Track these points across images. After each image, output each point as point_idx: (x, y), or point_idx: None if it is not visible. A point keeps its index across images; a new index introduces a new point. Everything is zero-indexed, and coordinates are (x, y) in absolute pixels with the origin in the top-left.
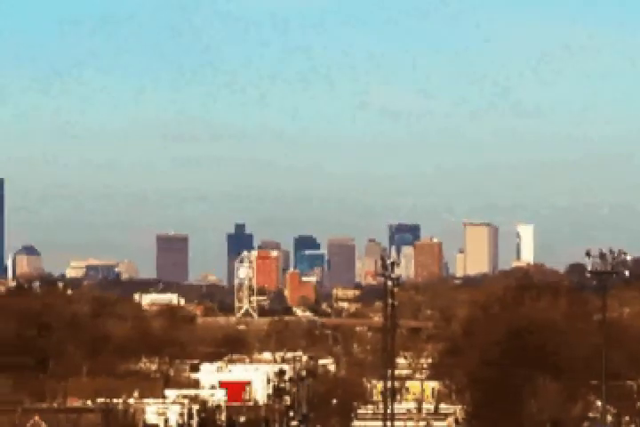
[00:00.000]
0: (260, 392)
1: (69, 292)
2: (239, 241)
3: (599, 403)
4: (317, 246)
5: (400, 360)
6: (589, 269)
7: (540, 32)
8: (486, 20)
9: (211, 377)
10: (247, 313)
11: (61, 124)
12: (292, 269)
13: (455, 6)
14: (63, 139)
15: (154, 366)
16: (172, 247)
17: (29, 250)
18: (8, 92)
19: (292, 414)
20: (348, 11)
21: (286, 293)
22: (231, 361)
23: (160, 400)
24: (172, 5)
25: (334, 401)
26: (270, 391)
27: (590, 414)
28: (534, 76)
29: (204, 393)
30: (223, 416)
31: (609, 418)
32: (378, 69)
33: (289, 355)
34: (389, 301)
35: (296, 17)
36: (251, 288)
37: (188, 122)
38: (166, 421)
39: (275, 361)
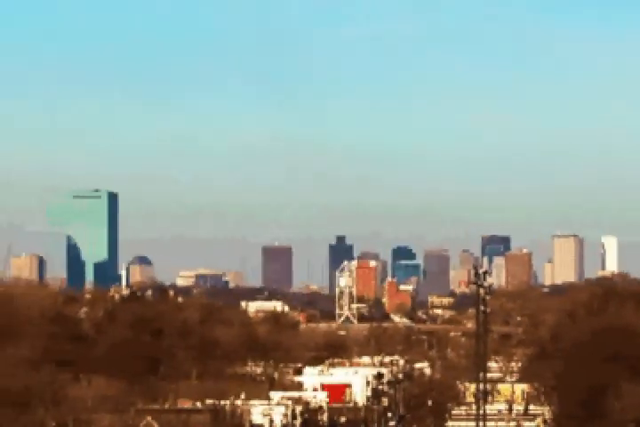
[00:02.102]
0: (359, 394)
1: (180, 300)
2: (340, 252)
3: None
4: (414, 257)
5: (491, 364)
6: None
7: None
8: None
9: (313, 380)
10: (347, 320)
11: (173, 143)
12: (389, 279)
13: None
14: (175, 156)
15: (259, 370)
16: (277, 258)
17: (142, 260)
18: (121, 112)
19: (389, 414)
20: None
21: (384, 300)
22: (332, 365)
23: (265, 402)
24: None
25: (429, 402)
26: (369, 393)
27: None
28: None
29: (306, 395)
30: (325, 417)
31: None
32: (475, 92)
33: (387, 359)
34: (482, 308)
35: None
36: (351, 296)
37: (292, 138)
38: (271, 421)
39: (373, 365)
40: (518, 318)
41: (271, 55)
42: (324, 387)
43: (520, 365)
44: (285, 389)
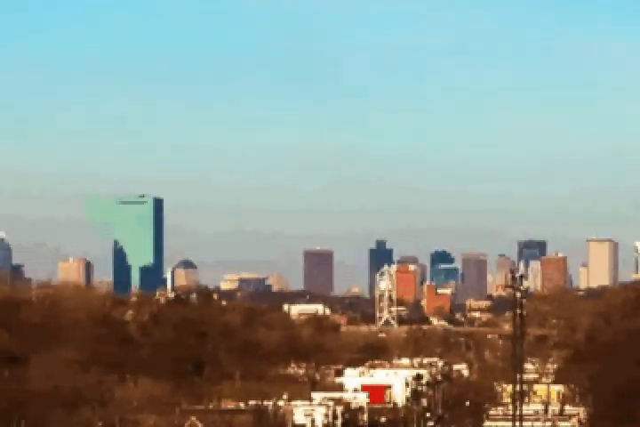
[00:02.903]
0: (399, 395)
1: (223, 303)
2: (380, 256)
3: None
4: (452, 261)
5: (528, 366)
6: None
7: None
8: None
9: (354, 381)
10: (387, 322)
11: (216, 148)
12: (428, 282)
13: None
14: (219, 162)
15: (301, 371)
16: (319, 262)
17: (187, 264)
18: (166, 119)
19: (428, 415)
20: None
21: (423, 303)
22: (372, 366)
23: (307, 402)
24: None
25: (467, 403)
26: (408, 394)
27: None
28: None
29: (347, 396)
30: (365, 417)
31: None
32: (519, 97)
33: (426, 361)
34: (518, 311)
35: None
36: (391, 299)
37: (335, 146)
38: (313, 421)
39: (413, 366)
40: (554, 321)
41: (301, 62)
42: (364, 388)
43: (555, 366)
44: (327, 390)
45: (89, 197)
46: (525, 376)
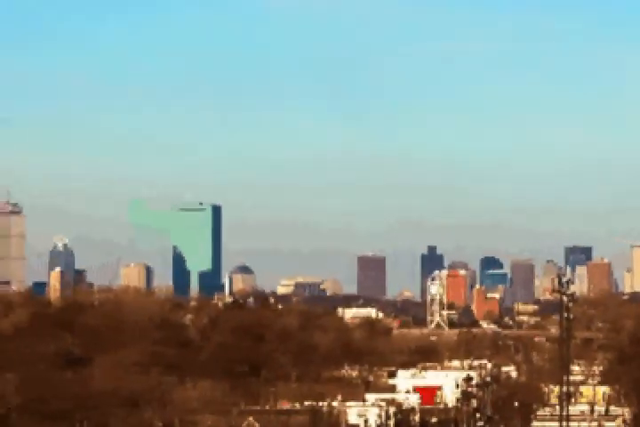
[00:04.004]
0: (449, 396)
1: (280, 307)
2: (431, 261)
3: None
4: (501, 266)
5: (574, 367)
6: None
7: None
8: None
9: (406, 382)
10: (438, 325)
11: (269, 155)
12: (478, 287)
13: None
14: (272, 169)
15: (355, 373)
16: (372, 267)
17: (244, 269)
18: (221, 128)
19: (478, 415)
20: None
21: (473, 307)
22: (424, 368)
23: (361, 403)
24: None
25: (516, 404)
26: (459, 395)
27: None
28: None
29: (399, 397)
30: (417, 418)
31: None
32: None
33: (475, 363)
34: (565, 314)
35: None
36: (441, 303)
37: (381, 151)
38: (366, 422)
39: (463, 368)
40: (599, 324)
41: (343, 71)
42: (416, 389)
43: (601, 368)
44: (379, 391)
45: (149, 204)
46: (572, 378)
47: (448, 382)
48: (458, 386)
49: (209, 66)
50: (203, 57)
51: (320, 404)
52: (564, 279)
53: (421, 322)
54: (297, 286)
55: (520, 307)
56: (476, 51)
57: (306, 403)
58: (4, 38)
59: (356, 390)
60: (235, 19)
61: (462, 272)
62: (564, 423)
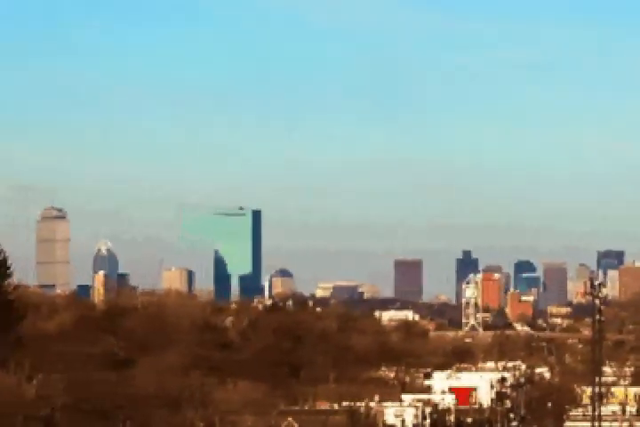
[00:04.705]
0: (484, 397)
1: (318, 309)
2: (466, 265)
3: None
4: (534, 270)
5: (606, 369)
6: None
7: None
8: None
9: (441, 383)
10: (473, 328)
11: (307, 164)
12: (512, 290)
13: None
14: (311, 172)
15: (392, 374)
16: (408, 270)
17: (284, 273)
18: (263, 132)
19: (512, 415)
20: None
21: (507, 310)
22: (459, 369)
23: (397, 404)
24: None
25: (549, 404)
26: (493, 396)
27: None
28: None
29: (435, 398)
30: (452, 418)
31: None
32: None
33: (509, 364)
34: (597, 317)
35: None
36: (476, 306)
37: (410, 155)
38: (403, 422)
39: (497, 369)
40: (631, 327)
41: (385, 79)
42: (451, 390)
43: (633, 369)
44: (416, 392)
45: (189, 209)
46: (604, 379)
47: (483, 383)
48: (492, 387)
49: (252, 72)
50: (246, 64)
51: (358, 404)
52: (597, 283)
53: (457, 324)
54: (335, 289)
55: (553, 310)
56: (508, 59)
57: (344, 403)
58: (54, 45)
59: (392, 391)
60: (278, 28)
61: (496, 276)
62: (596, 424)
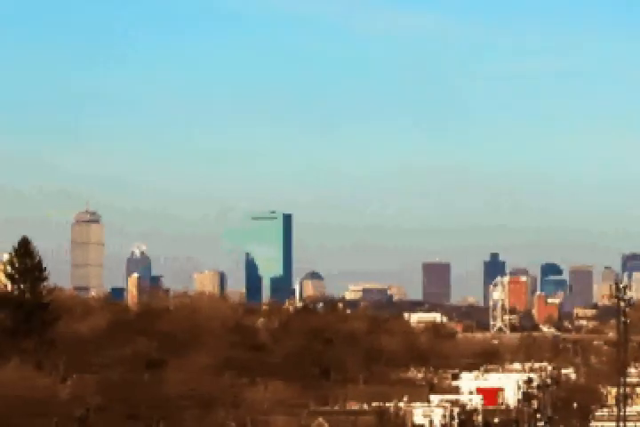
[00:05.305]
0: (511, 397)
1: (348, 311)
2: (494, 268)
3: None
4: (560, 273)
5: (631, 370)
6: None
7: None
8: None
9: (469, 384)
10: (500, 330)
11: (335, 169)
12: (538, 292)
13: None
14: (340, 181)
15: (420, 375)
16: (437, 273)
17: (314, 275)
18: (289, 138)
19: (538, 416)
20: None
21: (534, 312)
22: (487, 370)
23: (426, 404)
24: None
25: (575, 405)
26: (520, 397)
27: None
28: None
29: (463, 398)
30: (479, 418)
31: None
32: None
33: (536, 365)
34: (622, 319)
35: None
36: (504, 308)
37: (445, 161)
38: (431, 422)
39: (524, 370)
40: None
41: (424, 87)
42: (478, 391)
43: None
44: (444, 392)
45: (222, 211)
46: (629, 380)
47: (510, 383)
48: (519, 388)
49: (291, 80)
50: (288, 70)
51: (387, 405)
52: (622, 285)
53: (484, 326)
54: (365, 291)
55: (579, 312)
56: (548, 67)
57: (373, 404)
58: (106, 51)
59: (421, 392)
60: (321, 34)
61: (523, 278)
62: (622, 424)
